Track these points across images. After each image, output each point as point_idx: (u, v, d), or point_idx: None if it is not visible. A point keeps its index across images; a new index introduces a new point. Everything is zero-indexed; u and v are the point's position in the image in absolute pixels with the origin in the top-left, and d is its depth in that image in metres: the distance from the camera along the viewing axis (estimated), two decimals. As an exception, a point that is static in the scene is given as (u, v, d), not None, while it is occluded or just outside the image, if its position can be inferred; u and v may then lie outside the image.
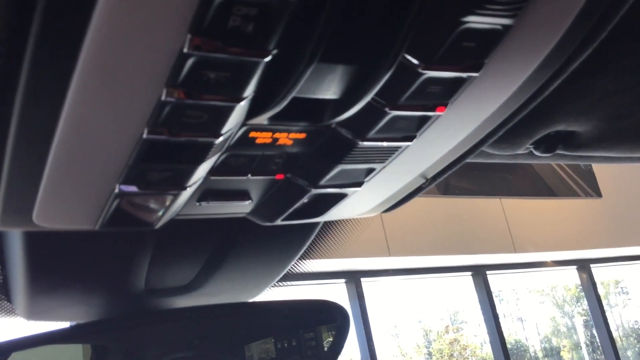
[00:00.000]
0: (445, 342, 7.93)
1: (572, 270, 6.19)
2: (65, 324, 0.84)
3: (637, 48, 0.58)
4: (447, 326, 7.86)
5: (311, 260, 0.91)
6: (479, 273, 5.51)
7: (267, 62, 0.38)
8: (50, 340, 0.78)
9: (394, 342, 7.40)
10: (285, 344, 0.86)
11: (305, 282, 4.40)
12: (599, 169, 5.90)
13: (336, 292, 5.08)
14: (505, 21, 0.41)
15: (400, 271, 5.24)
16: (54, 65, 0.36)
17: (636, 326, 9.18)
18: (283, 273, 0.84)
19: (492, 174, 5.35)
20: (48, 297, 0.74)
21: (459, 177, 5.08)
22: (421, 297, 6.21)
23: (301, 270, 0.91)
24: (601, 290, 6.26)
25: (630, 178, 6.29)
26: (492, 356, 5.46)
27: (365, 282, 5.05)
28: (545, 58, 0.47)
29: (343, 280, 5.03)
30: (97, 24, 0.33)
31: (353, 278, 5.00)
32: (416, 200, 0.69)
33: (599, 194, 5.89)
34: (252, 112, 0.43)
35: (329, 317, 0.79)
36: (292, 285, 0.97)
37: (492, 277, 5.59)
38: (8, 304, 0.81)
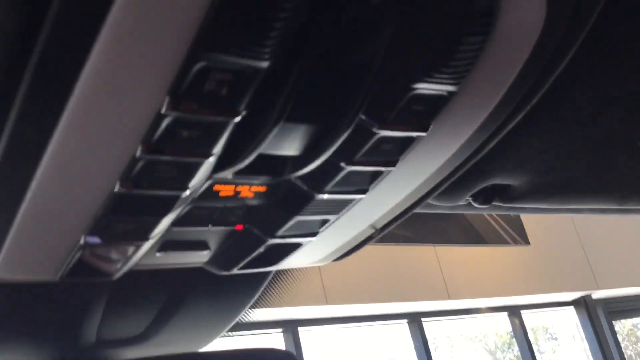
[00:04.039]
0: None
1: (504, 316, 6.34)
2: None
3: (564, 111, 0.64)
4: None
5: (256, 309, 0.92)
6: (415, 320, 5.57)
7: (236, 122, 0.40)
8: None
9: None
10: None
11: (242, 333, 4.32)
12: (526, 217, 6.14)
13: (273, 343, 5.00)
14: (450, 88, 0.46)
15: (337, 319, 5.23)
16: (38, 120, 0.37)
17: (565, 371, 9.40)
18: (234, 322, 0.84)
19: (427, 221, 5.48)
20: None
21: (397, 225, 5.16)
22: (359, 346, 6.19)
23: (245, 320, 0.92)
24: (530, 336, 6.42)
25: (556, 226, 6.57)
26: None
27: (302, 331, 4.99)
28: (485, 119, 0.52)
29: (280, 329, 4.97)
30: (84, 84, 0.35)
31: (290, 327, 4.95)
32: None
33: (527, 242, 6.11)
34: (218, 166, 0.46)
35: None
36: (232, 336, 0.97)
37: (428, 325, 5.66)
38: None
